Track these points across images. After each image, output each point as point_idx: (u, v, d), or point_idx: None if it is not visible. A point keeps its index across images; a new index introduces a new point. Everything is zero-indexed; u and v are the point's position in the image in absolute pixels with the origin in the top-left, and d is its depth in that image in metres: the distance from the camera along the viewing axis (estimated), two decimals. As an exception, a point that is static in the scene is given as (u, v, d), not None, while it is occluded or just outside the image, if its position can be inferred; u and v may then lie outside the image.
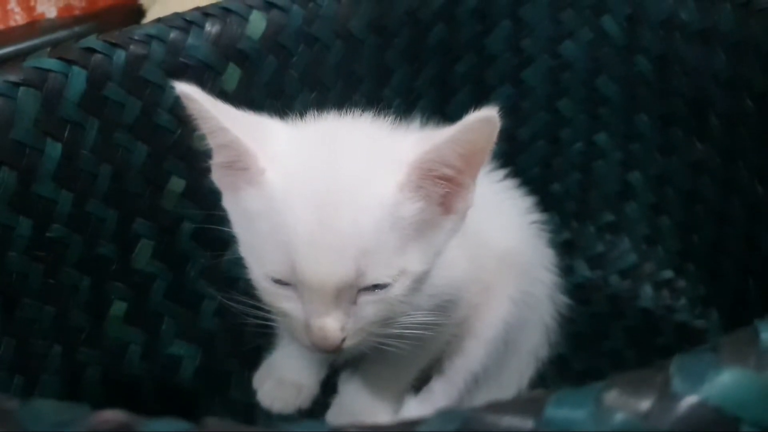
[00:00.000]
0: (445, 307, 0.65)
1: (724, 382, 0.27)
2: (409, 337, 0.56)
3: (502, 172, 0.80)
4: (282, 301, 0.53)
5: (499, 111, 0.49)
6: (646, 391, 0.26)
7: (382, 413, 0.73)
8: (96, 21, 1.04)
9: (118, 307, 0.68)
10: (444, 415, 0.25)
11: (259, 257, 0.52)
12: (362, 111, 0.60)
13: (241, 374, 0.77)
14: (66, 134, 0.60)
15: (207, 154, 0.53)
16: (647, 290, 0.90)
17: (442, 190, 0.51)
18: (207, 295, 0.75)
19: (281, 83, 0.75)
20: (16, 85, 0.56)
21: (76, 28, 1.02)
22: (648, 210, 0.90)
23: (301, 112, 0.77)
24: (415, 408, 0.73)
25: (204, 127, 0.51)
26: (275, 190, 0.50)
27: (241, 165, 0.51)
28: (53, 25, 1.03)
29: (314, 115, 0.58)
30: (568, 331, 0.80)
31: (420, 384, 0.75)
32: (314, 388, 0.77)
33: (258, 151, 0.50)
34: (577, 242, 0.96)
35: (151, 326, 0.71)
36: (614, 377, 0.27)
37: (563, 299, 0.82)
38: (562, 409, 0.25)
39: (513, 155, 0.95)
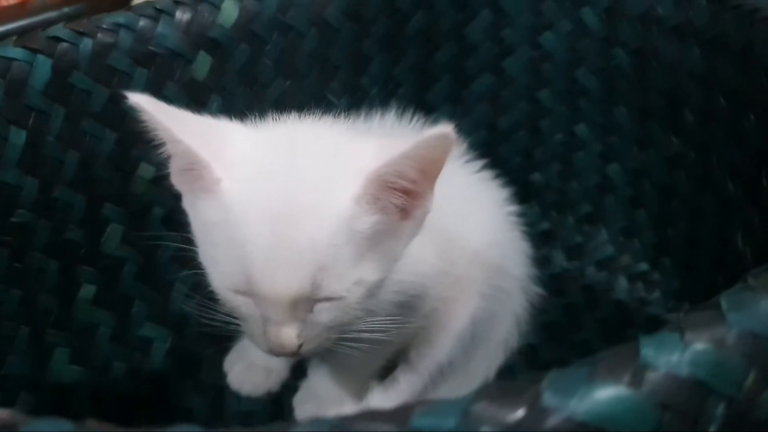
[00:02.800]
0: (411, 302, 0.66)
1: (594, 397, 0.27)
2: (370, 340, 0.57)
3: (479, 163, 0.80)
4: (241, 309, 0.53)
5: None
6: (515, 403, 0.27)
7: (346, 399, 0.75)
8: (86, 2, 1.04)
9: (87, 291, 0.69)
10: (315, 421, 0.26)
11: (217, 267, 0.52)
12: (323, 112, 0.59)
13: (213, 357, 0.78)
14: (30, 122, 0.61)
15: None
16: (622, 282, 0.90)
17: (399, 201, 0.51)
18: (178, 278, 0.76)
19: (254, 71, 0.76)
20: (-22, 73, 0.57)
21: (66, 9, 1.02)
22: (625, 203, 0.90)
23: (276, 100, 0.79)
24: (379, 396, 0.74)
25: (158, 137, 0.50)
26: (231, 200, 0.50)
27: (197, 174, 0.51)
28: (43, 6, 1.03)
29: (274, 118, 0.57)
30: (540, 321, 0.81)
31: (386, 372, 0.76)
32: (283, 372, 0.79)
33: (213, 160, 0.50)
34: (555, 233, 0.96)
35: (121, 309, 0.73)
36: (485, 388, 0.28)
37: (536, 290, 0.82)
38: (429, 419, 0.26)
39: (494, 144, 0.96)
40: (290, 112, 0.70)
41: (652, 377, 0.28)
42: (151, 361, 0.76)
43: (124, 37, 0.66)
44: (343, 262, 0.50)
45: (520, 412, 0.27)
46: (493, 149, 0.95)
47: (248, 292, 0.51)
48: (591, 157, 0.92)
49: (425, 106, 0.90)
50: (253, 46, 0.75)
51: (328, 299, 0.51)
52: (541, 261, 0.91)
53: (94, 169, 0.67)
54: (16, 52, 0.59)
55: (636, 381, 0.28)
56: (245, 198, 0.50)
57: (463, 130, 0.89)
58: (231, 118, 0.56)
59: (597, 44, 0.85)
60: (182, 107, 0.68)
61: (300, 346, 0.53)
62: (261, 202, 0.49)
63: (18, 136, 0.60)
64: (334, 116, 0.74)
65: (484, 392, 0.28)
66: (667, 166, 0.83)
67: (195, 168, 0.51)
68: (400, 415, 0.26)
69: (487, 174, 0.81)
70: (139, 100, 0.49)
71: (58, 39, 0.62)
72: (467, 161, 0.80)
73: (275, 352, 0.53)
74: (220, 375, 0.78)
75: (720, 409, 0.29)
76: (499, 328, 0.78)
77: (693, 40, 0.75)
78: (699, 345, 0.30)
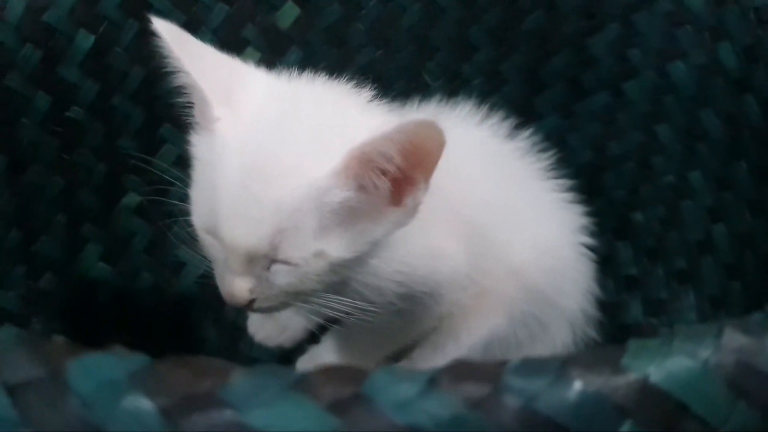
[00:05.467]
0: (421, 299, 0.63)
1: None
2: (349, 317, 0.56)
3: (563, 182, 0.75)
4: (210, 250, 0.54)
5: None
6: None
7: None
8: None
9: (131, 199, 0.73)
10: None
11: (195, 204, 0.53)
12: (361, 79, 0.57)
13: (241, 297, 0.80)
14: (101, 29, 0.65)
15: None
16: (694, 355, 0.79)
17: (384, 184, 0.49)
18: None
19: (344, 33, 0.75)
20: (58, -23, 0.62)
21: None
22: (723, 270, 0.79)
23: (363, 67, 0.78)
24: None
25: (170, 66, 0.51)
26: (219, 142, 0.50)
27: (202, 109, 0.52)
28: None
29: (296, 73, 0.56)
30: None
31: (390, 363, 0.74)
32: (299, 332, 0.79)
33: (215, 99, 0.50)
34: (641, 282, 0.87)
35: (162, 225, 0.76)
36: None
37: (589, 332, 0.76)
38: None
39: (600, 169, 0.88)
40: (377, 81, 0.70)
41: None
42: (180, 283, 0.79)
43: (212, -31, 0.68)
44: (305, 231, 0.49)
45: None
46: (596, 174, 0.88)
47: (215, 235, 0.51)
48: (699, 210, 0.81)
49: (531, 112, 0.85)
50: (347, 8, 0.74)
51: (285, 263, 0.50)
52: (615, 307, 0.84)
53: (157, 88, 0.70)
54: (100, -36, 0.64)
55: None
56: (231, 143, 0.50)
57: (568, 146, 0.85)
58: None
59: (729, 85, 0.74)
60: (259, 52, 0.71)
61: (253, 301, 0.53)
62: (242, 151, 0.49)
63: (86, 39, 0.64)
64: (428, 97, 0.73)
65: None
66: (774, 239, 0.72)
67: (200, 103, 0.52)
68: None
69: (569, 196, 0.75)
70: (160, 26, 0.51)
71: (145, -40, 0.65)
72: (549, 176, 0.75)
73: (227, 300, 0.54)
74: (243, 315, 0.80)
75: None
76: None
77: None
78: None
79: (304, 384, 0.25)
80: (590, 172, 0.87)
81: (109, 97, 0.68)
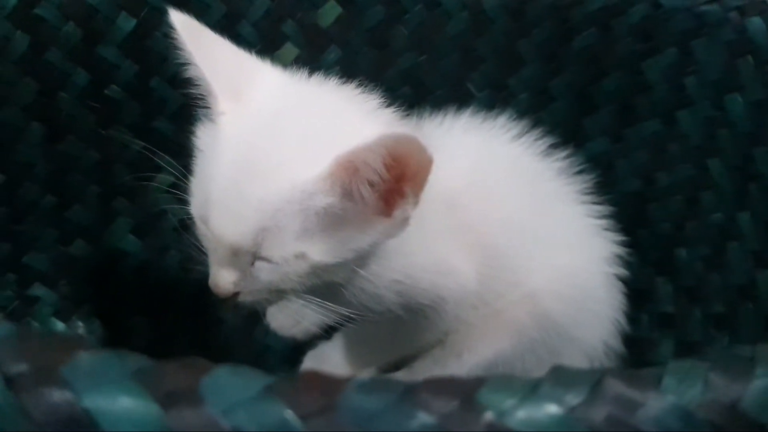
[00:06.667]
0: (424, 312, 0.63)
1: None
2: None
3: (599, 208, 0.73)
4: (203, 239, 0.55)
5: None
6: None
7: (345, 372, 0.74)
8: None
9: (164, 179, 0.75)
10: None
11: (193, 193, 0.55)
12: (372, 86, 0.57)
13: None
14: (143, 13, 0.67)
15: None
16: (720, 405, 0.75)
17: (371, 194, 0.49)
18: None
19: (386, 35, 0.75)
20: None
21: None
22: (763, 320, 0.74)
23: (405, 71, 0.78)
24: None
25: (182, 58, 0.53)
26: (220, 136, 0.51)
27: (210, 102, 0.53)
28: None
29: (306, 73, 0.56)
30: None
31: (392, 369, 0.74)
32: (313, 327, 0.80)
33: (222, 93, 0.52)
34: (675, 321, 0.83)
35: (192, 207, 0.79)
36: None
37: (608, 366, 0.74)
38: None
39: (646, 199, 0.84)
40: (419, 87, 0.70)
41: None
42: (205, 263, 0.81)
43: (256, -36, 0.70)
44: (287, 231, 0.49)
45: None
46: (642, 204, 0.84)
47: (207, 226, 0.53)
48: (745, 254, 0.76)
49: (579, 132, 0.82)
50: (390, 11, 0.74)
51: (267, 260, 0.51)
52: (645, 343, 0.81)
53: (196, 74, 0.72)
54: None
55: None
56: (229, 137, 0.51)
57: (615, 172, 0.81)
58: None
59: (787, 124, 0.70)
60: (297, 48, 0.72)
61: (238, 294, 0.54)
62: (237, 146, 0.51)
63: (127, 22, 0.67)
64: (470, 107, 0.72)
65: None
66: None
67: (208, 96, 0.53)
68: None
69: (604, 222, 0.73)
70: (175, 18, 0.53)
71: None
72: (585, 199, 0.72)
73: (213, 290, 0.55)
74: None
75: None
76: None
77: None
78: None
79: (145, 374, 0.26)
80: (636, 202, 0.83)
81: (148, 79, 0.70)
